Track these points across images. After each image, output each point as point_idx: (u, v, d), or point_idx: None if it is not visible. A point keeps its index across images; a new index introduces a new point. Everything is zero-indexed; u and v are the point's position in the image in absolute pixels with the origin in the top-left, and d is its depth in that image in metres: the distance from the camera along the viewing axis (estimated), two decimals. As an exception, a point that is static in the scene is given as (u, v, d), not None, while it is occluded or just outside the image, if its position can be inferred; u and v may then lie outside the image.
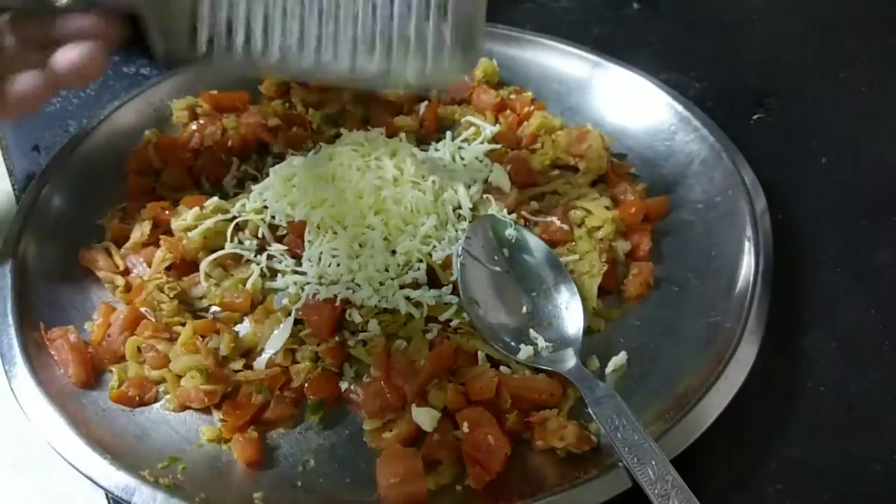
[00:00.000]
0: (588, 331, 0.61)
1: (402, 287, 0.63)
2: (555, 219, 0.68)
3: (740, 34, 0.95)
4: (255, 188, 0.71)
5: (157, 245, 0.67)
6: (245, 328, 0.63)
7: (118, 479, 0.51)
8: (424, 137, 0.78)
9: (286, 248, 0.67)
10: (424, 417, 0.54)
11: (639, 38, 0.93)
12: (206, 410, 0.58)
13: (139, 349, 0.61)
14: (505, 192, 0.70)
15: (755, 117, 0.83)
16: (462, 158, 0.74)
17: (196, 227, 0.67)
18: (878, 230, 0.71)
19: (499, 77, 0.83)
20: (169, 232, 0.68)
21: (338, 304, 0.61)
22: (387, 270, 0.63)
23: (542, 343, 0.59)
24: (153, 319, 0.62)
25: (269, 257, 0.66)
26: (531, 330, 0.60)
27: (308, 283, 0.63)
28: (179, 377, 0.59)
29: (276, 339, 0.60)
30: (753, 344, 0.57)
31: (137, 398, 0.58)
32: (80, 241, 0.68)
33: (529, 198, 0.71)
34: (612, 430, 0.51)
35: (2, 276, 0.63)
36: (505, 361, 0.59)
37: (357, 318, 0.61)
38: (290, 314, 0.62)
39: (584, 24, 0.95)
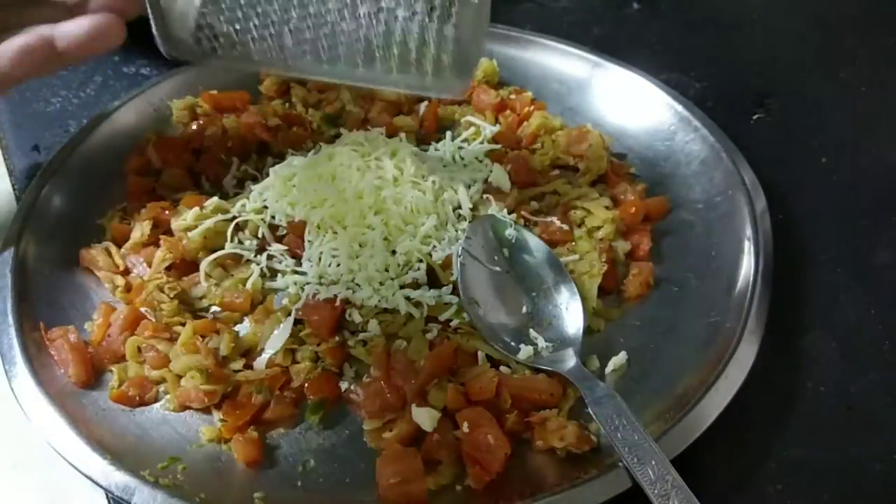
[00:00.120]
0: (588, 331, 0.61)
1: (402, 287, 0.63)
2: (555, 219, 0.68)
3: (740, 34, 0.95)
4: (255, 188, 0.71)
5: (157, 245, 0.67)
6: (245, 328, 0.63)
7: (118, 479, 0.51)
8: (424, 137, 0.78)
9: (286, 248, 0.67)
10: (424, 417, 0.54)
11: (639, 38, 0.93)
12: (206, 410, 0.58)
13: (139, 349, 0.61)
14: (505, 192, 0.70)
15: (755, 117, 0.83)
16: (462, 158, 0.74)
17: (196, 227, 0.67)
18: (878, 230, 0.71)
19: (499, 77, 0.83)
20: (169, 232, 0.68)
21: (338, 304, 0.61)
22: (387, 270, 0.63)
23: (542, 343, 0.59)
24: (153, 319, 0.62)
25: (269, 257, 0.66)
26: (531, 330, 0.60)
27: (308, 283, 0.64)
28: (179, 377, 0.59)
29: (276, 339, 0.60)
30: (753, 344, 0.58)
31: (137, 398, 0.58)
32: (80, 240, 0.68)
33: (529, 198, 0.71)
34: (612, 430, 0.51)
35: (2, 276, 0.63)
36: (505, 361, 0.59)
37: (357, 318, 0.61)
38: (290, 314, 0.62)
39: (584, 24, 0.95)
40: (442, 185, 0.68)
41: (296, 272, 0.65)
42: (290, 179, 0.69)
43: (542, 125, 0.77)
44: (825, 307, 0.65)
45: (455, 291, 0.62)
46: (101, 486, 0.51)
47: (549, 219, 0.68)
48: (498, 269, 0.63)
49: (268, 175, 0.71)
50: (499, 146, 0.75)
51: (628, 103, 0.78)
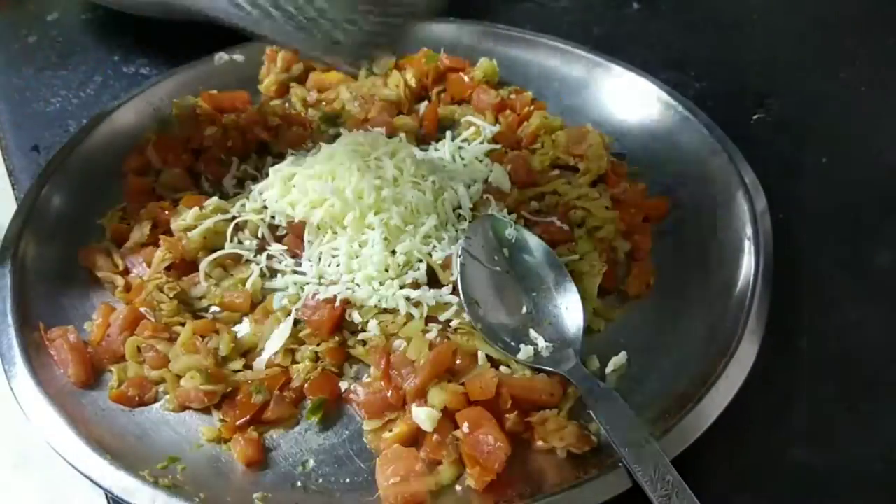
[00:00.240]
0: (588, 331, 0.61)
1: (402, 287, 0.63)
2: (555, 219, 0.68)
3: (740, 34, 0.95)
4: (255, 188, 0.71)
5: (157, 245, 0.67)
6: (245, 328, 0.63)
7: (118, 479, 0.51)
8: (424, 137, 0.78)
9: (286, 248, 0.67)
10: (424, 417, 0.54)
11: (639, 38, 0.93)
12: (206, 410, 0.58)
13: (139, 349, 0.61)
14: (505, 192, 0.70)
15: (755, 117, 0.83)
16: (462, 158, 0.74)
17: (196, 226, 0.67)
18: (879, 230, 0.71)
19: (499, 77, 0.83)
20: (169, 232, 0.68)
21: (338, 304, 0.61)
22: (387, 270, 0.63)
23: (542, 343, 0.59)
24: (153, 319, 0.62)
25: (269, 257, 0.66)
26: (531, 330, 0.60)
27: (308, 283, 0.63)
28: (179, 377, 0.59)
29: (275, 339, 0.60)
30: (754, 344, 0.57)
31: (137, 398, 0.58)
32: (79, 241, 0.68)
33: (529, 198, 0.71)
34: (613, 430, 0.51)
35: (2, 276, 0.63)
36: (505, 361, 0.59)
37: (357, 318, 0.61)
38: (289, 314, 0.62)
39: (584, 24, 0.95)
40: (442, 185, 0.68)
41: (296, 272, 0.65)
42: (290, 179, 0.69)
43: (542, 125, 0.77)
44: (825, 307, 0.65)
45: (455, 291, 0.62)
46: (101, 487, 0.51)
47: (549, 219, 0.68)
48: (498, 269, 0.63)
49: (268, 175, 0.71)
50: (499, 146, 0.75)
51: (628, 103, 0.78)
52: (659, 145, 0.75)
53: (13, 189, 0.77)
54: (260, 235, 0.68)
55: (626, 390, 0.56)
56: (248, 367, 0.60)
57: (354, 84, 0.83)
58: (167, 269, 0.65)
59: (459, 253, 0.63)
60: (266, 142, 0.77)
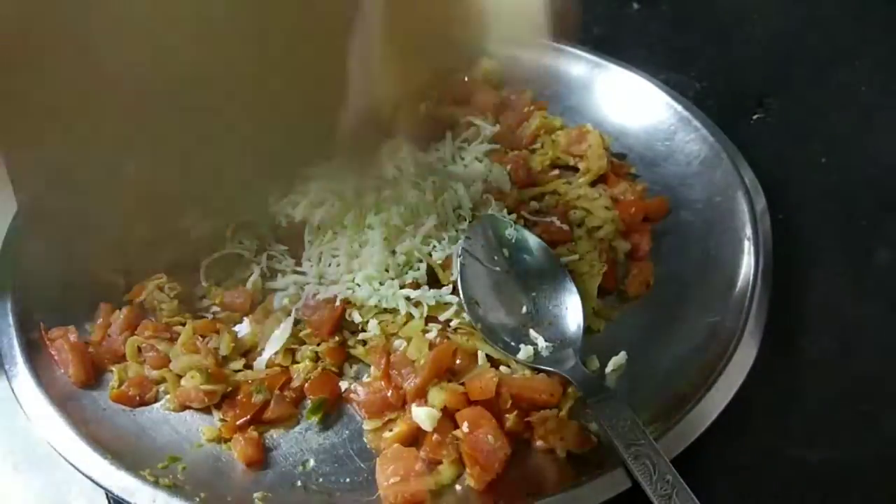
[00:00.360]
0: (588, 331, 0.61)
1: (402, 287, 0.63)
2: (555, 219, 0.68)
3: (740, 34, 0.95)
4: (255, 188, 0.71)
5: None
6: (245, 328, 0.63)
7: (118, 479, 0.51)
8: (424, 137, 0.78)
9: (286, 248, 0.67)
10: (424, 417, 0.54)
11: (639, 38, 0.93)
12: (206, 410, 0.58)
13: (139, 349, 0.61)
14: (505, 192, 0.70)
15: (755, 117, 0.83)
16: (462, 158, 0.74)
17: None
18: (878, 230, 0.71)
19: (499, 77, 0.83)
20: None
21: (338, 304, 0.61)
22: (387, 270, 0.63)
23: (542, 343, 0.59)
24: (153, 319, 0.62)
25: (269, 257, 0.66)
26: (531, 330, 0.60)
27: (308, 283, 0.63)
28: (179, 377, 0.59)
29: (276, 339, 0.60)
30: (753, 344, 0.57)
31: (137, 398, 0.58)
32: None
33: (529, 198, 0.71)
34: (612, 430, 0.51)
35: (2, 276, 0.63)
36: (505, 361, 0.59)
37: (357, 318, 0.61)
38: (290, 314, 0.62)
39: (584, 24, 0.95)
40: (442, 185, 0.68)
41: (296, 272, 0.65)
42: (290, 179, 0.69)
43: (542, 125, 0.77)
44: (825, 307, 0.65)
45: (455, 291, 0.62)
46: (101, 486, 0.51)
47: (549, 219, 0.68)
48: (498, 269, 0.63)
49: (268, 175, 0.71)
50: (499, 146, 0.75)
51: (628, 103, 0.78)
52: (659, 145, 0.75)
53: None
54: (260, 235, 0.68)
55: (626, 390, 0.56)
56: (248, 366, 0.60)
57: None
58: (168, 269, 0.65)
59: (459, 253, 0.63)
60: (266, 142, 0.77)
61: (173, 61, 0.26)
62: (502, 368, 0.58)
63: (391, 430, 0.55)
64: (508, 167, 0.72)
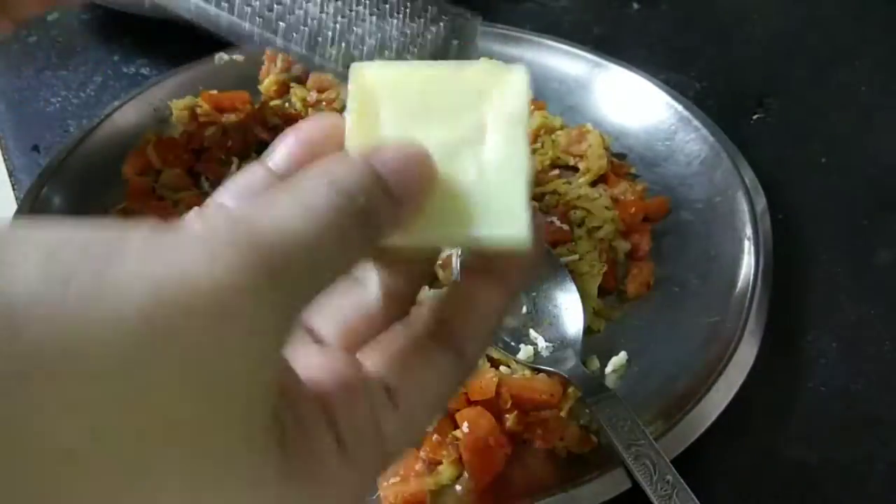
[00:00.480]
0: (588, 331, 0.61)
1: (401, 287, 0.62)
2: (555, 219, 0.67)
3: (740, 34, 0.95)
4: (255, 188, 0.71)
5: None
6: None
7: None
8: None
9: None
10: (424, 417, 0.54)
11: (639, 37, 0.93)
12: (205, 410, 0.58)
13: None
14: (505, 192, 0.70)
15: (755, 117, 0.83)
16: (462, 158, 0.74)
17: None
18: (879, 230, 0.71)
19: (499, 77, 0.83)
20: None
21: (338, 304, 0.61)
22: (387, 270, 0.63)
23: (542, 343, 0.59)
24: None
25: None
26: (531, 330, 0.60)
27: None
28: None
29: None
30: (753, 344, 0.57)
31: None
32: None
33: (529, 198, 0.70)
34: (613, 431, 0.51)
35: (1, 276, 0.63)
36: (505, 361, 0.59)
37: (357, 318, 0.61)
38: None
39: (584, 24, 0.95)
40: (442, 185, 0.68)
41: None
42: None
43: (541, 125, 0.77)
44: (825, 307, 0.65)
45: (455, 291, 0.62)
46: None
47: (549, 219, 0.68)
48: (498, 269, 0.63)
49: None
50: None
51: (628, 103, 0.78)
52: (659, 145, 0.75)
53: (13, 189, 0.77)
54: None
55: (627, 390, 0.56)
56: (247, 367, 0.60)
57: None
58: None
59: (459, 253, 0.63)
60: (266, 142, 0.77)
61: None
62: (502, 368, 0.58)
63: (391, 431, 0.55)
64: (508, 167, 0.71)
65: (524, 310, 0.61)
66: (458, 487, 0.53)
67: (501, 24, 0.86)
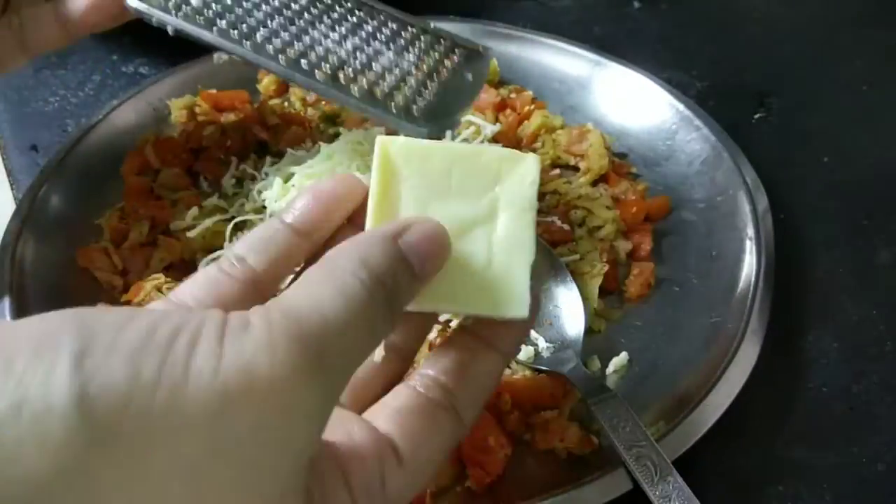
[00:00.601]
0: (589, 331, 0.60)
1: (401, 287, 0.62)
2: (555, 218, 0.67)
3: (742, 33, 0.94)
4: (254, 188, 0.71)
5: (155, 245, 0.66)
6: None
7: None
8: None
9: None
10: (424, 418, 0.54)
11: (640, 36, 0.93)
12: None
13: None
14: (505, 191, 0.70)
15: (757, 116, 0.82)
16: (462, 158, 0.73)
17: (195, 226, 0.66)
18: (881, 230, 0.71)
19: (499, 76, 0.83)
20: (167, 232, 0.68)
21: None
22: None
23: (542, 344, 0.59)
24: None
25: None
26: (531, 330, 0.60)
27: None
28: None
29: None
30: (755, 344, 0.57)
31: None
32: (78, 240, 0.68)
33: (530, 197, 0.70)
34: (614, 432, 0.51)
35: (0, 276, 0.62)
36: (505, 362, 0.58)
37: (357, 319, 0.61)
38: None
39: (584, 23, 0.95)
40: (442, 184, 0.68)
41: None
42: (289, 179, 0.69)
43: (542, 124, 0.76)
44: (827, 307, 0.64)
45: (455, 292, 0.62)
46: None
47: (549, 219, 0.67)
48: (498, 269, 0.63)
49: (266, 175, 0.71)
50: (499, 145, 0.75)
51: (629, 102, 0.78)
52: (660, 145, 0.75)
53: (12, 189, 0.76)
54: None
55: (628, 391, 0.56)
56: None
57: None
58: (166, 269, 0.65)
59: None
60: (265, 141, 0.77)
61: None
62: (503, 369, 0.58)
63: (391, 432, 0.55)
64: (509, 167, 0.71)
65: (525, 310, 0.61)
66: (457, 489, 0.52)
67: (501, 22, 0.86)
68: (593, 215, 0.68)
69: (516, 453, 0.53)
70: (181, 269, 0.66)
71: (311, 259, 0.38)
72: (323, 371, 0.28)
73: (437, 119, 0.60)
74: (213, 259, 0.65)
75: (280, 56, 0.60)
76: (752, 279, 0.61)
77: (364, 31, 0.63)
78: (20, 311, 0.61)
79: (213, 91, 0.81)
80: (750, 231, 0.64)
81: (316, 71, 0.59)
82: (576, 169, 0.74)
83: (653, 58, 0.86)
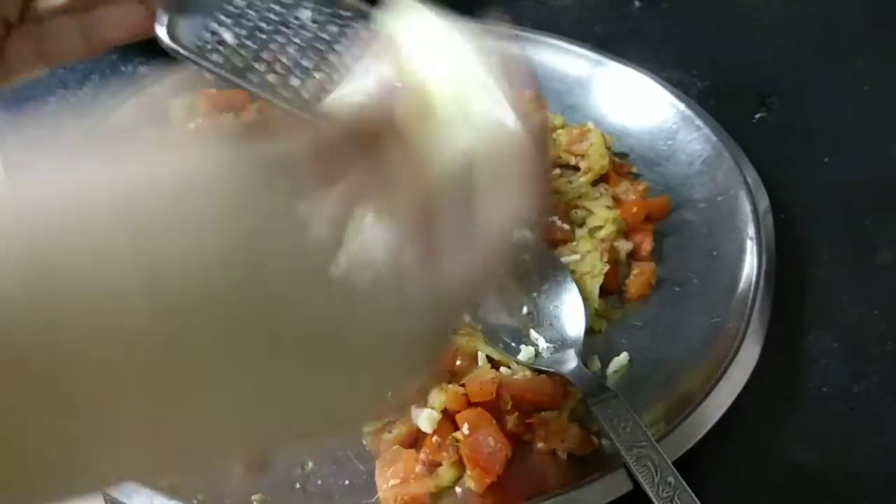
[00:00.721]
0: (589, 331, 0.60)
1: (401, 287, 0.62)
2: (556, 218, 0.67)
3: (742, 32, 0.94)
4: (254, 187, 0.70)
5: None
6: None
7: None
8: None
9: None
10: (424, 419, 0.54)
11: (640, 36, 0.93)
12: (204, 411, 0.57)
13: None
14: (505, 191, 0.70)
15: (757, 116, 0.82)
16: (462, 157, 0.73)
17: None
18: (881, 229, 0.71)
19: (499, 76, 0.83)
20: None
21: (337, 304, 0.61)
22: (387, 270, 0.63)
23: (542, 344, 0.58)
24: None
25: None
26: (532, 331, 0.60)
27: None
28: (178, 378, 0.58)
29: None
30: (756, 344, 0.57)
31: (135, 399, 0.58)
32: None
33: (530, 197, 0.70)
34: (614, 432, 0.51)
35: None
36: (505, 362, 0.58)
37: (357, 319, 0.61)
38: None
39: (585, 23, 0.95)
40: (442, 184, 0.68)
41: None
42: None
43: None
44: (827, 307, 0.64)
45: (455, 292, 0.62)
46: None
47: (549, 219, 0.67)
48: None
49: (267, 174, 0.71)
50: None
51: (630, 102, 0.78)
52: (661, 144, 0.75)
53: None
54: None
55: (628, 391, 0.55)
56: (246, 367, 0.60)
57: (354, 83, 0.82)
58: (165, 268, 0.65)
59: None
60: (265, 141, 0.76)
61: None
62: (503, 369, 0.58)
63: (391, 433, 0.55)
64: (509, 166, 0.71)
65: (525, 310, 0.61)
66: (458, 490, 0.52)
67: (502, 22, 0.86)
68: (594, 215, 0.68)
69: (516, 453, 0.53)
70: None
71: None
72: None
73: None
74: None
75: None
76: (753, 279, 0.61)
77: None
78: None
79: (213, 91, 0.81)
80: (751, 231, 0.64)
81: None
82: (576, 169, 0.74)
83: (653, 57, 0.85)
